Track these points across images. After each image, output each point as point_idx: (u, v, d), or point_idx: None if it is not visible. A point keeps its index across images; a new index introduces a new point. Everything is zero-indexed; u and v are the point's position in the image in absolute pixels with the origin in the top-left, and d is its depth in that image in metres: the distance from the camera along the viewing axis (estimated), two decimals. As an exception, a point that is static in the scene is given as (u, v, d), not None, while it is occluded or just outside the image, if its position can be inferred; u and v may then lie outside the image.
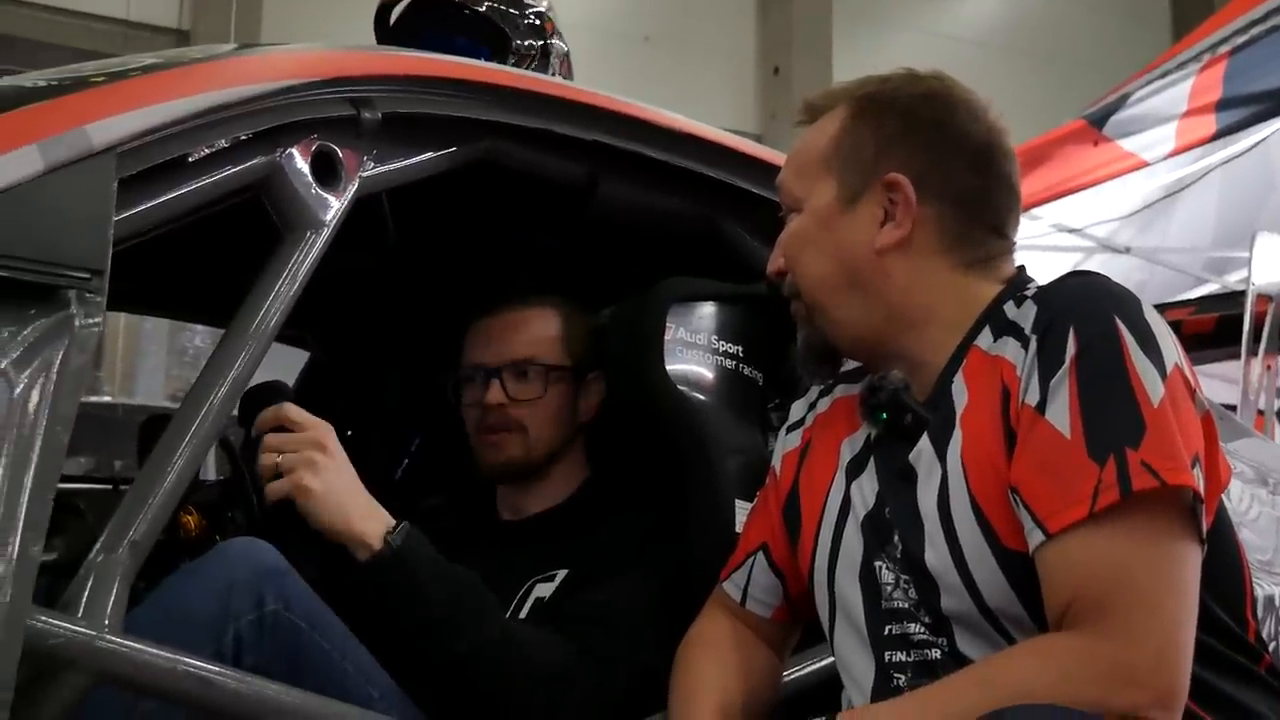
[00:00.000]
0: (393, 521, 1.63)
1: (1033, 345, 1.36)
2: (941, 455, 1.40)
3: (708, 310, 1.99)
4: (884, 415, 1.47)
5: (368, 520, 1.60)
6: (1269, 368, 4.85)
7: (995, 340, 1.42)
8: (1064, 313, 1.35)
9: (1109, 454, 1.27)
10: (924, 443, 1.43)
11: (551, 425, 2.00)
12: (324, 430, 1.62)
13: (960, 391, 1.42)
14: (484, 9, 2.35)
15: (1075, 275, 1.43)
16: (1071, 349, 1.32)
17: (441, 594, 1.64)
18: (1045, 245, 5.81)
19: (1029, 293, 1.44)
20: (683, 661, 1.63)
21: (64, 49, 9.78)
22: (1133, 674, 1.22)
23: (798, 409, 1.70)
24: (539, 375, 2.00)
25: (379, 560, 1.59)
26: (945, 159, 1.48)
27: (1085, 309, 1.35)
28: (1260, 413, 4.86)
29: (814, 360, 1.57)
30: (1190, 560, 1.29)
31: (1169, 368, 1.32)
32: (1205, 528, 1.31)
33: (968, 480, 1.37)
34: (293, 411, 1.63)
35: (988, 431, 1.37)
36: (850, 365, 1.61)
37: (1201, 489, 1.29)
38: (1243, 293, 5.03)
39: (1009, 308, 1.44)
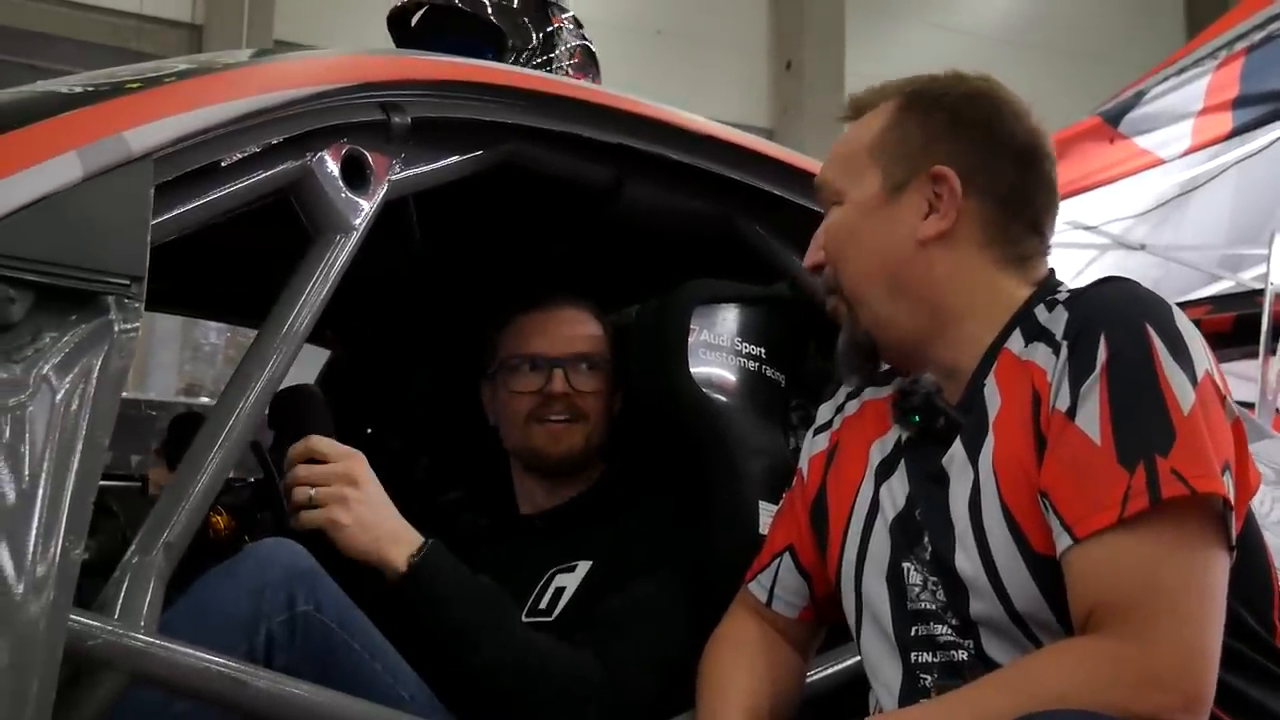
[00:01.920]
0: (418, 542, 1.69)
1: (1064, 351, 1.36)
2: (974, 460, 1.41)
3: (731, 312, 2.00)
4: (916, 418, 1.48)
5: (394, 545, 1.67)
6: (1288, 367, 4.84)
7: (1026, 345, 1.43)
8: (1095, 319, 1.36)
9: (1139, 461, 1.28)
10: (957, 447, 1.43)
11: (605, 419, 2.05)
12: (355, 462, 1.68)
13: (992, 395, 1.43)
14: (479, 9, 2.35)
15: (1106, 281, 1.44)
16: (1102, 355, 1.33)
17: (462, 610, 1.69)
18: (1060, 242, 5.78)
19: (1060, 297, 1.45)
20: (709, 664, 1.64)
21: (78, 42, 9.81)
22: (1159, 679, 1.23)
23: (825, 411, 1.70)
24: (599, 369, 2.04)
25: (402, 581, 1.66)
26: (990, 156, 1.50)
27: (1116, 316, 1.35)
28: (1278, 411, 4.85)
29: (856, 358, 1.57)
30: (1218, 567, 1.29)
31: (1200, 375, 1.32)
32: (1235, 534, 1.32)
33: (999, 485, 1.38)
34: (322, 444, 1.68)
35: (1019, 437, 1.38)
36: (883, 366, 1.62)
37: (1232, 496, 1.30)
38: (1259, 291, 5.02)
39: (1040, 311, 1.44)
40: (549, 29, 2.37)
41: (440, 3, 2.37)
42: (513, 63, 2.31)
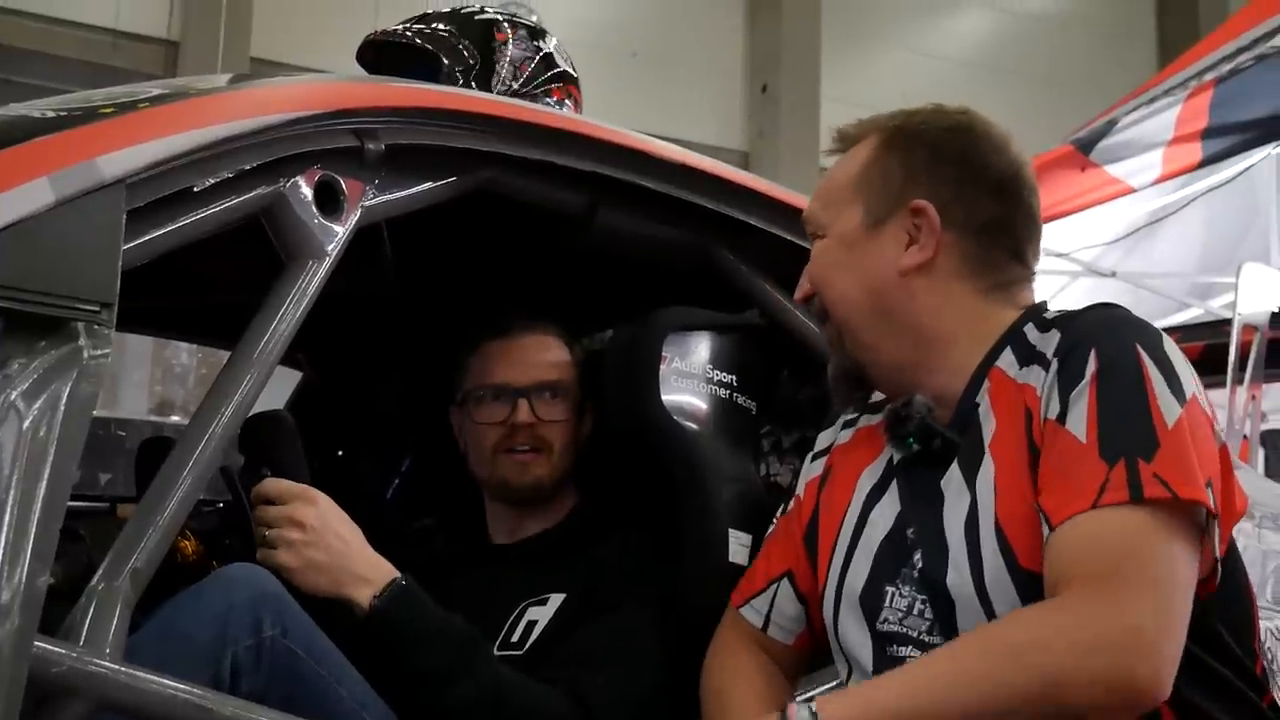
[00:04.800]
0: (385, 580, 1.67)
1: (1054, 366, 1.40)
2: (970, 482, 1.43)
3: (703, 340, 2.01)
4: (911, 440, 1.49)
5: (357, 584, 1.66)
6: (1253, 397, 4.89)
7: (1021, 367, 1.45)
8: (1086, 338, 1.39)
9: (1119, 458, 1.30)
10: (954, 470, 1.45)
11: (571, 448, 2.04)
12: (302, 505, 1.66)
13: (986, 414, 1.45)
14: (409, 37, 2.33)
15: (1098, 307, 1.47)
16: (1092, 366, 1.36)
17: (432, 651, 1.68)
18: (1031, 269, 5.86)
19: (1049, 316, 1.48)
20: (722, 698, 1.62)
21: (52, 57, 9.76)
22: (1134, 638, 1.24)
23: (823, 438, 1.72)
24: (564, 397, 2.03)
25: (367, 622, 1.65)
26: (969, 189, 1.53)
27: (1107, 333, 1.39)
28: (1245, 438, 4.90)
29: (845, 385, 1.60)
30: (1190, 565, 1.30)
31: (1187, 396, 1.35)
32: (1219, 552, 1.34)
33: (996, 506, 1.40)
34: (273, 487, 1.67)
35: (1015, 457, 1.40)
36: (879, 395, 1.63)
37: (1215, 507, 1.31)
38: (1228, 320, 5.06)
39: (1030, 330, 1.47)
40: (490, 45, 2.35)
41: (377, 40, 2.36)
42: (455, 84, 2.29)
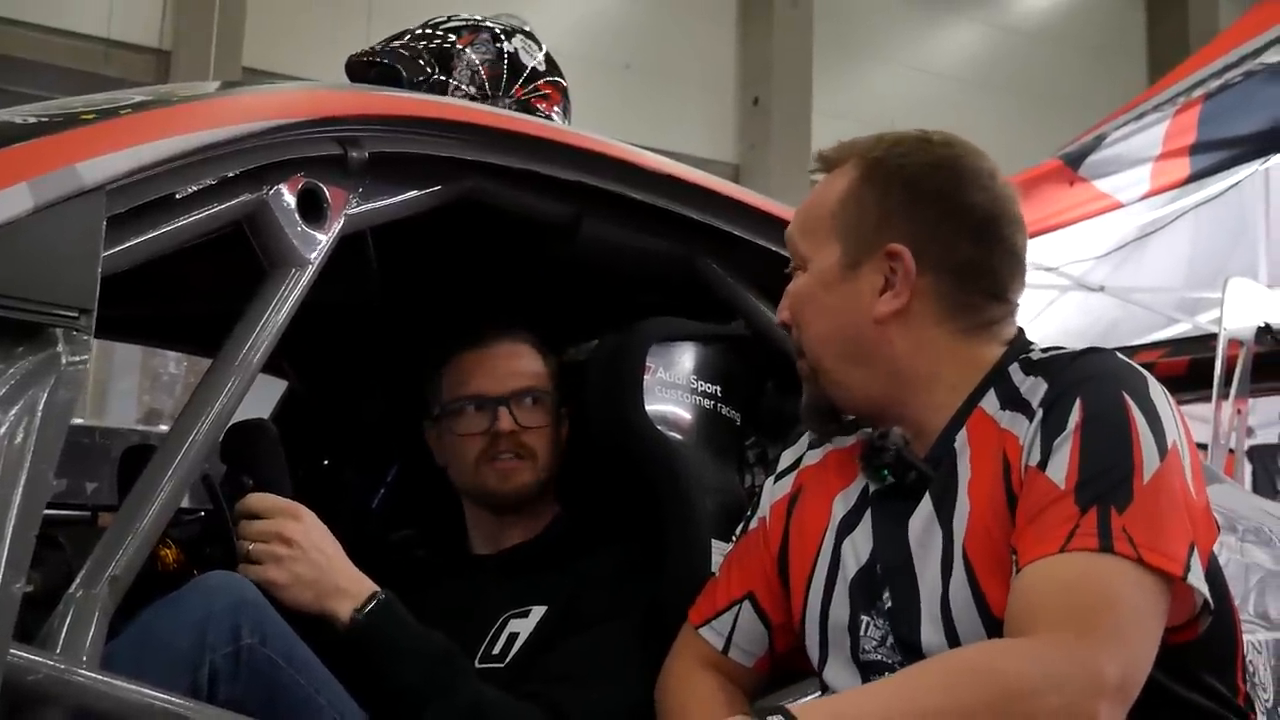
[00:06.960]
0: (364, 595, 1.67)
1: (1038, 416, 1.39)
2: (943, 522, 1.42)
3: (687, 350, 2.01)
4: (886, 472, 1.48)
5: (338, 599, 1.66)
6: (1239, 411, 4.91)
7: (1003, 409, 1.44)
8: (1072, 388, 1.38)
9: (1092, 505, 1.30)
10: (926, 506, 1.44)
11: (554, 453, 2.03)
12: (289, 520, 1.67)
13: (963, 449, 1.44)
14: (371, 55, 2.31)
15: (1088, 354, 1.46)
16: (1077, 416, 1.35)
17: (410, 669, 1.68)
18: (1020, 283, 5.87)
19: (1034, 356, 1.47)
20: None
21: (43, 65, 9.75)
22: (1099, 682, 1.23)
23: (786, 457, 1.71)
24: (543, 403, 2.02)
25: (347, 635, 1.65)
26: (947, 231, 1.49)
27: (1094, 385, 1.38)
28: (1231, 452, 4.92)
29: (817, 419, 1.59)
30: (1157, 616, 1.31)
31: (1168, 445, 1.35)
32: (1198, 604, 1.35)
33: (967, 550, 1.39)
34: (258, 501, 1.67)
35: (989, 502, 1.40)
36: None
37: (1188, 573, 1.31)
38: (1214, 335, 5.08)
39: (1014, 372, 1.46)
40: (450, 52, 2.33)
41: (356, 60, 2.34)
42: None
